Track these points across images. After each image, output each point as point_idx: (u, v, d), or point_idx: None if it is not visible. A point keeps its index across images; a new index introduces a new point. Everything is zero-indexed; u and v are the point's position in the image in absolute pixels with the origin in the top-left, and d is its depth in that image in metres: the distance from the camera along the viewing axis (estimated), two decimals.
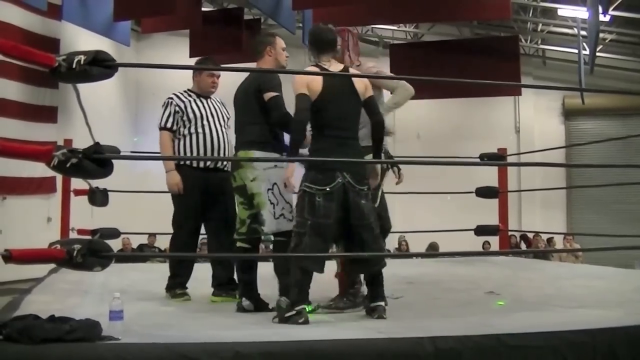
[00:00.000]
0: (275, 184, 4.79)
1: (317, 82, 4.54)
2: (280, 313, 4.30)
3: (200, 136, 5.62)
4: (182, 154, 5.66)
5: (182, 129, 5.65)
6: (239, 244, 5.04)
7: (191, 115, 5.64)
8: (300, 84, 4.50)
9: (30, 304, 4.73)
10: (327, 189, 4.44)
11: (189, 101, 5.70)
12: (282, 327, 4.11)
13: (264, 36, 5.34)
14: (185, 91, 5.82)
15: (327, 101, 4.52)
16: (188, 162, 5.65)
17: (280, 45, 5.13)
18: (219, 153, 5.66)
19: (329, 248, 4.71)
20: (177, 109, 5.65)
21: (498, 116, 20.89)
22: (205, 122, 5.66)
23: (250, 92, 4.94)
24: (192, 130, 5.63)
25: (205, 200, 5.64)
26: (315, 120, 4.54)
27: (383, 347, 3.43)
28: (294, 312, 4.23)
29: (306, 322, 4.21)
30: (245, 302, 4.80)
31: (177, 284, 5.57)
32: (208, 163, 5.68)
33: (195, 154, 5.62)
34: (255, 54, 5.14)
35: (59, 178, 9.69)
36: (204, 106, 5.73)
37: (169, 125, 5.65)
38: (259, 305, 4.82)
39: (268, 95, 4.87)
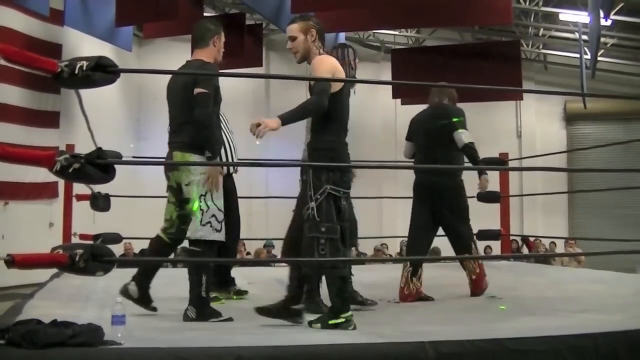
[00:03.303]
0: (209, 191, 4.74)
1: (343, 73, 4.52)
2: (321, 320, 4.25)
3: (225, 144, 5.75)
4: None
5: None
6: (160, 234, 5.02)
7: None
8: (328, 69, 4.37)
9: (32, 309, 4.74)
10: (349, 192, 4.42)
11: None
12: (284, 331, 4.12)
13: (211, 23, 5.09)
14: None
15: (345, 95, 4.45)
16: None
17: (223, 39, 5.02)
18: (232, 158, 5.75)
19: None
20: None
21: (499, 121, 20.89)
22: (222, 130, 5.69)
23: (189, 88, 4.75)
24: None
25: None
26: (331, 113, 4.31)
27: (384, 352, 3.43)
28: (342, 319, 4.17)
29: (355, 328, 4.17)
30: (133, 288, 4.79)
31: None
32: (226, 170, 5.76)
33: (217, 161, 5.64)
34: (199, 40, 4.96)
35: (61, 183, 9.70)
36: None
37: None
38: (143, 297, 4.83)
39: (197, 90, 4.68)
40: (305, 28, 4.44)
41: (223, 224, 4.77)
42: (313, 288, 5.13)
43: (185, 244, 4.97)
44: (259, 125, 4.02)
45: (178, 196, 4.89)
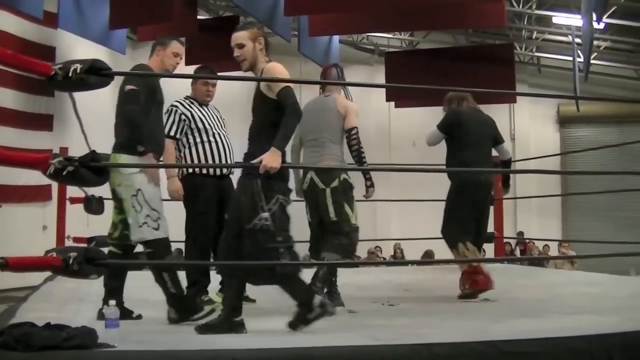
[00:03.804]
0: (140, 190, 4.62)
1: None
2: (300, 318, 4.20)
3: (213, 144, 5.63)
4: (195, 162, 5.64)
5: (189, 138, 5.61)
6: (111, 248, 4.93)
7: (200, 125, 5.61)
8: (288, 76, 4.39)
9: (26, 312, 4.74)
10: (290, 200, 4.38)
11: (194, 110, 5.67)
12: (279, 334, 4.11)
13: (163, 37, 5.17)
14: (186, 98, 5.81)
15: None
16: (204, 171, 5.58)
17: (172, 50, 4.98)
18: (226, 160, 5.67)
19: None
20: (183, 117, 5.62)
21: None
22: (213, 130, 5.66)
23: (122, 88, 4.76)
24: (205, 138, 5.61)
25: (218, 206, 5.63)
26: (280, 120, 4.24)
27: (379, 354, 3.43)
28: (317, 309, 4.18)
29: (333, 307, 4.29)
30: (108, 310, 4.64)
31: (201, 292, 5.64)
32: (219, 170, 5.65)
33: (210, 162, 5.62)
34: (151, 51, 5.07)
35: (55, 186, 9.69)
36: (208, 114, 5.72)
37: (172, 133, 5.59)
38: (123, 313, 4.51)
39: (127, 87, 4.68)
40: (253, 36, 4.40)
41: (160, 221, 4.66)
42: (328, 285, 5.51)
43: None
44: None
45: (117, 199, 4.82)
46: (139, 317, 4.79)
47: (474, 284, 5.88)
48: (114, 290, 4.73)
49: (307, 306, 4.20)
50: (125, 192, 4.66)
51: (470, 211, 6.20)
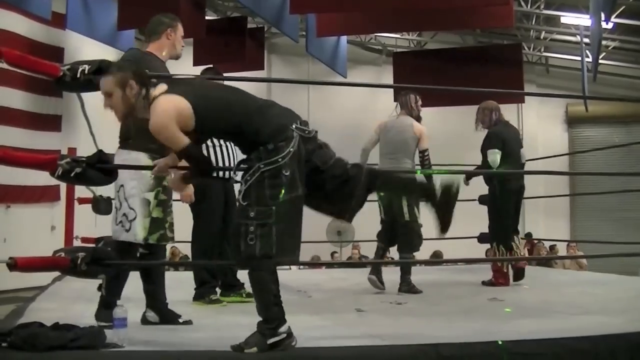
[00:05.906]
0: (122, 186, 4.30)
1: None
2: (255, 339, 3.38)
3: (224, 148, 5.69)
4: None
5: None
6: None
7: None
8: None
9: (34, 312, 4.76)
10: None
11: None
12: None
13: (165, 17, 4.72)
14: None
15: None
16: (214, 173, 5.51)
17: (181, 32, 4.67)
18: (230, 163, 5.69)
19: None
20: None
21: None
22: None
23: None
24: (215, 142, 5.64)
25: (224, 207, 5.71)
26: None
27: (386, 354, 3.44)
28: (283, 336, 3.39)
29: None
30: (150, 314, 4.47)
31: (210, 291, 5.66)
32: (226, 173, 5.72)
33: (220, 164, 5.65)
34: (151, 34, 4.64)
35: (63, 186, 9.73)
36: None
37: None
38: (166, 317, 4.49)
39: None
40: (120, 82, 3.69)
41: (134, 223, 4.25)
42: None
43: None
44: None
45: None
46: (189, 322, 4.49)
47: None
48: (151, 295, 4.53)
49: (267, 325, 3.40)
50: (115, 187, 4.39)
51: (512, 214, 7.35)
